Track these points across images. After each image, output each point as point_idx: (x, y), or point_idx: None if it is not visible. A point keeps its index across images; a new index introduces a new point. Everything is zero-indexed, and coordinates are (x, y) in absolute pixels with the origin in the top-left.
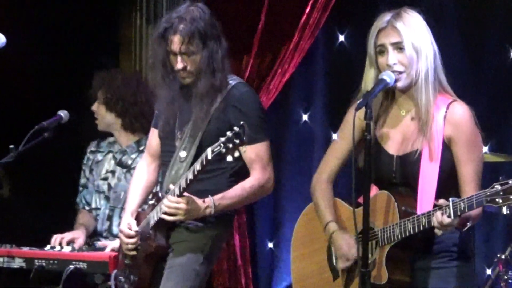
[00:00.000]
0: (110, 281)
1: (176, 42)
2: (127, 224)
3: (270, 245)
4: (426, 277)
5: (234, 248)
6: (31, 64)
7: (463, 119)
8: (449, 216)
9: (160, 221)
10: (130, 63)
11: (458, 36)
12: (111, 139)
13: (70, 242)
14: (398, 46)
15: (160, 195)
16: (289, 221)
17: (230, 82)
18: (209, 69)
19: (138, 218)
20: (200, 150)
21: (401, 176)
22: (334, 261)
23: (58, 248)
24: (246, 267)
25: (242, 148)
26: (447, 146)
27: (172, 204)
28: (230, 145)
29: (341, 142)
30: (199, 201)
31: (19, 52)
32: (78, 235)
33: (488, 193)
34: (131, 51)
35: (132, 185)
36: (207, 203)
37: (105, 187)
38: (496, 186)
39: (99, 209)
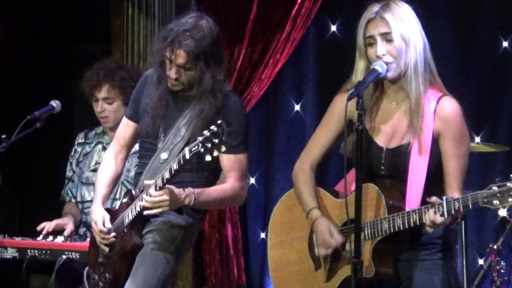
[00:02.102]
0: (83, 280)
1: (179, 56)
2: (101, 218)
3: (262, 235)
4: (410, 269)
5: (227, 239)
6: (22, 54)
7: (452, 115)
8: (442, 215)
9: (136, 219)
10: (121, 52)
11: (449, 25)
12: (98, 129)
13: (58, 229)
14: (387, 37)
15: (133, 193)
16: None
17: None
18: (212, 91)
19: (110, 216)
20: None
21: (389, 168)
22: (316, 250)
23: (50, 238)
24: (238, 257)
25: (221, 149)
26: (436, 141)
27: (155, 199)
28: (209, 145)
29: (325, 130)
30: (178, 190)
31: (9, 41)
32: (67, 222)
33: (485, 195)
34: (123, 41)
35: (100, 175)
36: (187, 192)
37: (95, 179)
38: (494, 188)
39: (89, 201)
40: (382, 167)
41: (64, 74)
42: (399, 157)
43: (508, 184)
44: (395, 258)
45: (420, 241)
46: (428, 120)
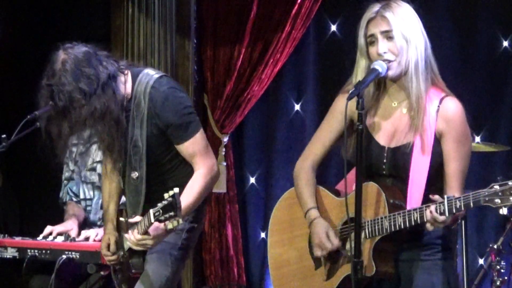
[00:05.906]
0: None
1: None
2: (106, 242)
3: (262, 235)
4: (411, 269)
5: (227, 238)
6: (22, 54)
7: (455, 116)
8: (443, 214)
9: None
10: (121, 52)
11: (450, 24)
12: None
13: (62, 234)
14: (388, 35)
15: (126, 222)
16: None
17: (147, 81)
18: (70, 107)
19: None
20: (148, 166)
21: (390, 167)
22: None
23: (50, 238)
24: (239, 257)
25: (178, 222)
26: (438, 141)
27: (138, 242)
28: (167, 215)
29: (327, 130)
30: (158, 230)
31: (9, 41)
32: (71, 227)
33: (487, 193)
34: (123, 41)
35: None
36: (167, 226)
37: (94, 177)
38: (495, 187)
39: (90, 199)
40: (384, 166)
41: None
42: (401, 157)
43: (510, 183)
44: (396, 258)
45: (420, 241)
46: (430, 120)
